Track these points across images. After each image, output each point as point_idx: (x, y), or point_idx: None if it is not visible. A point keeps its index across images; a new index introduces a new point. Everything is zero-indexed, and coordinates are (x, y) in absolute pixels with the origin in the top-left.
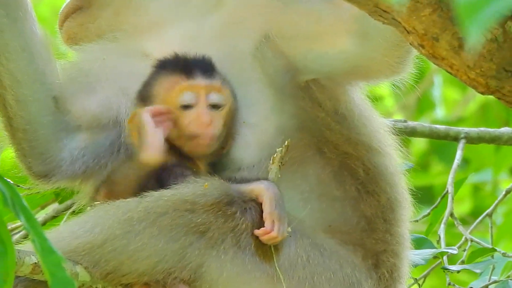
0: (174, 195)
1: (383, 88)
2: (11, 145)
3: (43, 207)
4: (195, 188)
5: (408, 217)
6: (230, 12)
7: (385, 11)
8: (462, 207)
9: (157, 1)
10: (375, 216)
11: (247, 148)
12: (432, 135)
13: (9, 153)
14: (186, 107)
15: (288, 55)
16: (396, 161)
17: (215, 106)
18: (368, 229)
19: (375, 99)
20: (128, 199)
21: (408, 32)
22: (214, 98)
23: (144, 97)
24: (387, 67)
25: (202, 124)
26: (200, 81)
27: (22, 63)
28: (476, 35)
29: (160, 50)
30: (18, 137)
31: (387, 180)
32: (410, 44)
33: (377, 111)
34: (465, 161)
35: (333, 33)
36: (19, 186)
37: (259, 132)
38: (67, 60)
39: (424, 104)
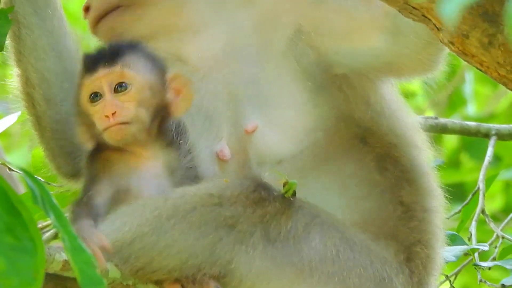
0: (199, 190)
1: (415, 85)
2: (40, 144)
3: None
4: (218, 182)
5: (442, 210)
6: (264, 8)
7: (415, 8)
8: (494, 204)
9: (192, 3)
10: (414, 203)
11: (285, 140)
12: (463, 132)
13: (40, 151)
14: (94, 102)
15: (321, 50)
16: (429, 157)
17: (119, 91)
18: (404, 217)
19: (407, 96)
20: (154, 196)
21: (438, 29)
22: (114, 83)
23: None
24: (419, 64)
25: (104, 116)
26: (99, 73)
27: (50, 62)
28: None
29: (196, 54)
30: (47, 136)
31: (425, 172)
32: (440, 41)
33: (409, 108)
34: (496, 158)
35: (365, 30)
36: (49, 184)
37: (296, 124)
38: None
39: (455, 101)
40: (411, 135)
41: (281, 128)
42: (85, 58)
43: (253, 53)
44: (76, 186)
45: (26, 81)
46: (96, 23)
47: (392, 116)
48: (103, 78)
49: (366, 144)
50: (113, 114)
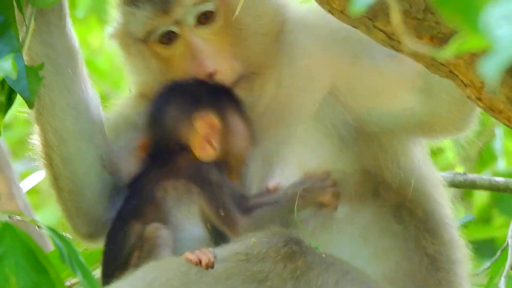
0: (224, 251)
1: (445, 140)
2: (57, 203)
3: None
4: (245, 241)
5: (468, 261)
6: (300, 66)
7: (442, 64)
8: None
9: None
10: (438, 254)
11: None
12: (492, 188)
13: None
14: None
15: (353, 108)
16: (452, 214)
17: None
18: (431, 269)
19: (436, 152)
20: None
21: (465, 85)
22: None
23: (225, 118)
24: (451, 124)
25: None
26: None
27: (68, 122)
28: None
29: None
30: (64, 197)
31: (446, 223)
32: (468, 97)
33: (439, 163)
34: None
35: (397, 90)
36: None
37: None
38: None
39: (485, 157)
40: (435, 194)
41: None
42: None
43: (286, 107)
44: (94, 245)
45: (44, 140)
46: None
47: (412, 171)
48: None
49: (380, 196)
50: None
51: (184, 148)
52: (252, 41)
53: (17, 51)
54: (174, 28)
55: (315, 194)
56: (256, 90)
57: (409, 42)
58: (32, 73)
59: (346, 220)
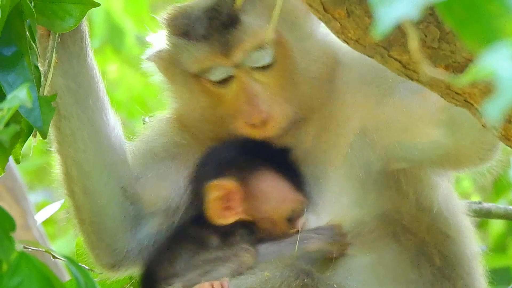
0: (238, 285)
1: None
2: (80, 234)
3: None
4: (258, 276)
5: None
6: (331, 115)
7: (457, 93)
8: None
9: None
10: None
11: None
12: (507, 217)
13: None
14: (291, 222)
15: (381, 146)
16: (474, 247)
17: None
18: None
19: (452, 181)
20: None
21: (480, 114)
22: (302, 216)
23: (247, 183)
24: (476, 155)
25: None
26: (302, 198)
27: (89, 153)
28: None
29: None
30: (86, 228)
31: (464, 266)
32: (483, 125)
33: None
34: None
35: (422, 125)
36: (93, 271)
37: (344, 221)
38: (140, 144)
39: (501, 185)
40: (456, 228)
41: (323, 222)
42: (292, 168)
43: (316, 156)
44: (115, 276)
45: (66, 172)
46: (278, 136)
47: (440, 209)
48: (303, 206)
49: (399, 242)
50: None
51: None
52: (305, 86)
53: (30, 81)
54: (231, 71)
55: (321, 244)
56: (301, 135)
57: (427, 68)
58: (45, 103)
59: (363, 268)
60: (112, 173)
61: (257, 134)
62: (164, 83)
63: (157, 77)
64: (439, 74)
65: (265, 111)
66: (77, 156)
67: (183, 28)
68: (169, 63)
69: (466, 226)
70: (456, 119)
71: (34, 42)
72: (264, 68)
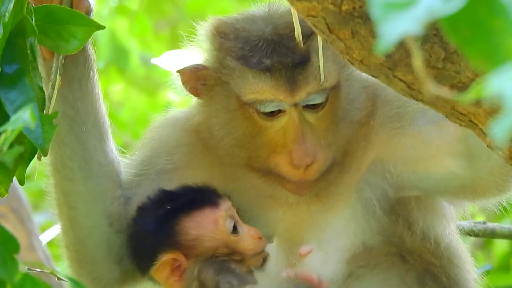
0: None
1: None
2: (65, 257)
3: None
4: None
5: None
6: (345, 145)
7: (462, 114)
8: None
9: None
10: None
11: (329, 262)
12: None
13: None
14: (235, 231)
15: (395, 175)
16: (474, 273)
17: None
18: None
19: None
20: None
21: (485, 134)
22: (234, 210)
23: (178, 243)
24: (494, 186)
25: (258, 238)
26: (225, 204)
27: (77, 183)
28: None
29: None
30: (69, 254)
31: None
32: (488, 146)
33: (459, 212)
34: None
35: (439, 155)
36: None
37: (344, 248)
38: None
39: (506, 206)
40: (458, 257)
41: (329, 251)
42: (199, 193)
43: (328, 188)
44: None
45: (54, 196)
46: (312, 182)
47: (447, 244)
48: (231, 207)
49: (406, 262)
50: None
51: None
52: (346, 130)
53: (31, 99)
54: (283, 107)
55: None
56: (331, 177)
57: (431, 86)
58: (46, 121)
59: (373, 284)
60: (99, 203)
61: (297, 175)
62: (199, 96)
63: (180, 89)
64: (443, 92)
65: (312, 155)
66: (64, 184)
67: (240, 53)
68: (214, 81)
69: (466, 254)
70: (473, 150)
71: (35, 61)
72: (315, 107)
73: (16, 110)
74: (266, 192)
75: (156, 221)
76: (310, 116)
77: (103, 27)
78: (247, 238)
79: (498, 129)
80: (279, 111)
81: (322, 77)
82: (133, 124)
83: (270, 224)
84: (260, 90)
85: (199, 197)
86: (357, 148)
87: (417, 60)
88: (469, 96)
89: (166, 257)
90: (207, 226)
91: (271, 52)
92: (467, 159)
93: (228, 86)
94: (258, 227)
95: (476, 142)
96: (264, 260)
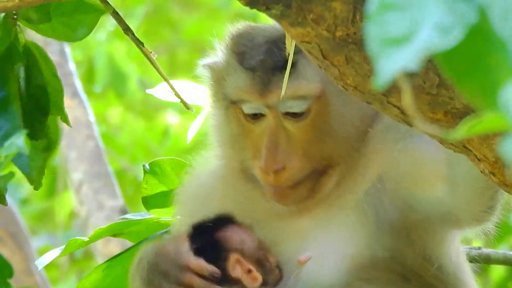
0: None
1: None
2: None
3: None
4: None
5: None
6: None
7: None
8: None
9: None
10: None
11: (327, 270)
12: (507, 262)
13: (85, 284)
14: None
15: (396, 195)
16: None
17: None
18: None
19: None
20: None
21: (479, 160)
22: None
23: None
24: (471, 216)
25: None
26: None
27: None
28: None
29: None
30: None
31: None
32: (481, 171)
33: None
34: None
35: (431, 178)
36: None
37: (343, 258)
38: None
39: (503, 231)
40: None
41: (329, 260)
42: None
43: (335, 196)
44: None
45: None
46: (288, 189)
47: (443, 264)
48: None
49: (408, 282)
50: None
51: None
52: (332, 144)
53: (18, 127)
54: (263, 110)
55: None
56: (317, 188)
57: (420, 123)
58: (34, 149)
59: None
60: None
61: (267, 180)
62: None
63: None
64: (432, 129)
65: (280, 162)
66: None
67: (241, 49)
68: (217, 77)
69: (470, 276)
70: (457, 177)
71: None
72: (296, 116)
73: (3, 137)
74: (261, 203)
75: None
76: (290, 125)
77: (109, 10)
78: None
79: (508, 147)
80: (261, 114)
81: (284, 86)
82: (131, 148)
83: (271, 234)
84: (240, 87)
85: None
86: (356, 163)
87: (406, 96)
88: (459, 133)
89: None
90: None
91: (262, 52)
92: (451, 185)
93: (224, 83)
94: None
95: (461, 169)
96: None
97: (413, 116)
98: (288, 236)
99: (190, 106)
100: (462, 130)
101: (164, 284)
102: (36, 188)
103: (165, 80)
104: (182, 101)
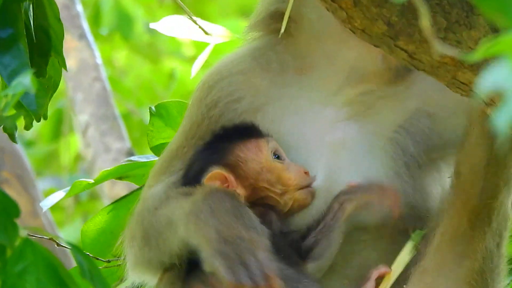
0: None
1: None
2: None
3: (122, 280)
4: None
5: None
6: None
7: (463, 83)
8: None
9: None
10: None
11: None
12: None
13: (90, 226)
14: (279, 158)
15: (431, 131)
16: None
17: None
18: None
19: None
20: None
21: (486, 104)
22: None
23: (228, 162)
24: None
25: (304, 172)
26: (270, 140)
27: None
28: None
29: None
30: None
31: None
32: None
33: None
34: None
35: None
36: (98, 259)
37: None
38: None
39: None
40: None
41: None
42: (245, 127)
43: (373, 124)
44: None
45: None
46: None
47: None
48: (276, 144)
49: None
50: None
51: None
52: None
53: (25, 64)
54: None
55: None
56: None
57: (438, 45)
58: (40, 86)
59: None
60: None
61: None
62: None
63: None
64: (450, 50)
65: None
66: None
67: None
68: None
69: None
70: None
71: (30, 25)
72: None
73: (10, 74)
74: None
75: (210, 144)
76: None
77: None
78: (292, 169)
79: (501, 118)
80: None
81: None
82: (137, 91)
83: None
84: None
85: (248, 131)
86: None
87: (424, 21)
88: (476, 56)
89: (217, 170)
90: (253, 150)
91: None
92: None
93: None
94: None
95: None
96: (312, 196)
97: (431, 39)
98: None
99: (207, 33)
100: (481, 51)
101: (242, 276)
102: (38, 121)
103: (186, 12)
104: (200, 27)
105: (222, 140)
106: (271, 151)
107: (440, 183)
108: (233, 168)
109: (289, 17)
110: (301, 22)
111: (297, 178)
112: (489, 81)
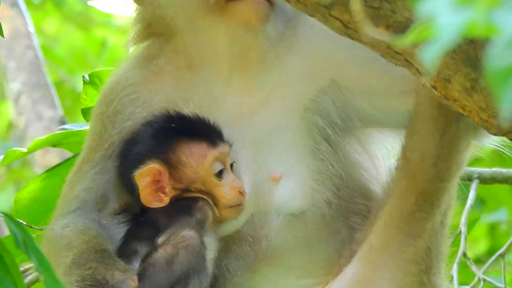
0: None
1: None
2: None
3: None
4: None
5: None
6: (298, 60)
7: (397, 53)
8: (479, 247)
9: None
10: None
11: (298, 194)
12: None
13: (23, 194)
14: (219, 175)
15: (349, 104)
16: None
17: (232, 171)
18: None
19: None
20: None
21: (420, 74)
22: (231, 162)
23: (168, 160)
24: None
25: (239, 191)
26: (223, 148)
27: None
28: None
29: (231, 100)
30: None
31: None
32: (423, 85)
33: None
34: (480, 202)
35: (391, 90)
36: (31, 227)
37: (308, 180)
38: None
39: None
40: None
41: (296, 181)
42: (194, 123)
43: (281, 104)
44: None
45: None
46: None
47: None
48: (226, 154)
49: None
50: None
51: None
52: None
53: None
54: None
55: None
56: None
57: (368, 29)
58: None
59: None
60: None
61: None
62: None
63: None
64: (380, 35)
65: None
66: None
67: None
68: None
69: None
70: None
71: None
72: None
73: None
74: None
75: (157, 132)
76: None
77: None
78: (227, 187)
79: (429, 53)
80: None
81: None
82: (69, 59)
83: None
84: None
85: (203, 130)
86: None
87: (355, 2)
88: (407, 39)
89: (153, 165)
90: (196, 158)
91: None
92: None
93: None
94: None
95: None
96: (239, 212)
97: (361, 22)
98: (253, 151)
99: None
100: (409, 37)
101: None
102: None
103: None
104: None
105: (171, 130)
106: (215, 163)
107: (366, 149)
108: (170, 167)
109: (163, 20)
110: (175, 22)
111: (229, 198)
112: (424, 9)
